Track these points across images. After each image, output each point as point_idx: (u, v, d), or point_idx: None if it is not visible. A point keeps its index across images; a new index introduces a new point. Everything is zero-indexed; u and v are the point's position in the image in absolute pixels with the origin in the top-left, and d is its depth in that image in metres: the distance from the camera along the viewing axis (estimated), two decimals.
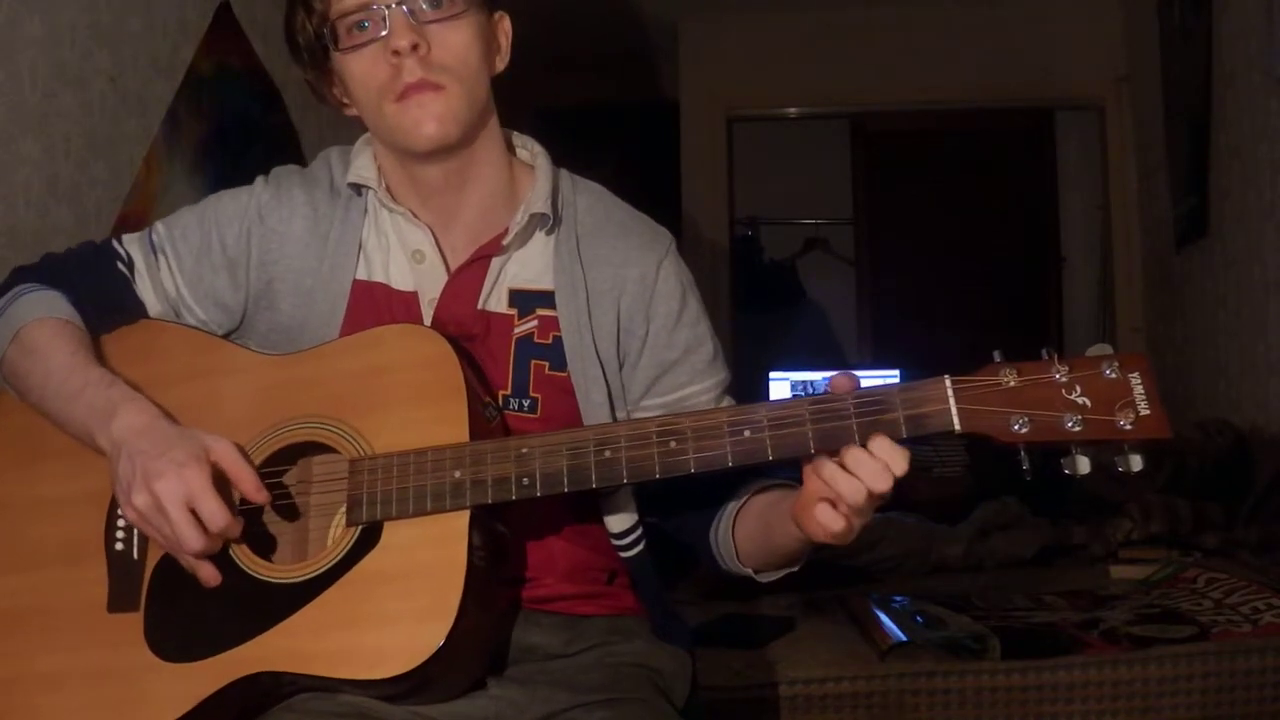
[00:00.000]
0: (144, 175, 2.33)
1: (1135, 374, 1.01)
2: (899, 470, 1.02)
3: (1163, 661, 1.90)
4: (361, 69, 1.19)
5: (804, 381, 4.18)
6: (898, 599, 2.24)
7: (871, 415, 1.03)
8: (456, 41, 1.19)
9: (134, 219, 2.23)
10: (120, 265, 1.29)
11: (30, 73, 1.95)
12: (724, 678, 1.90)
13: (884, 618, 2.07)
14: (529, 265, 1.27)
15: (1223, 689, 1.89)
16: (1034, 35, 4.50)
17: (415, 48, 1.16)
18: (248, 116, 2.83)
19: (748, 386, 4.14)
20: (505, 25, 1.28)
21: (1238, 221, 3.23)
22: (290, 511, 1.18)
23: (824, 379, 4.13)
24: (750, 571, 1.24)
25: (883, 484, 1.02)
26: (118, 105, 2.24)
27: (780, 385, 4.20)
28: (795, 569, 1.23)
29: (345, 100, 1.27)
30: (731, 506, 1.25)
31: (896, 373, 4.10)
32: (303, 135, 3.08)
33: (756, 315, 5.27)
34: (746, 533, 1.23)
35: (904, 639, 1.97)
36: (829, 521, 1.04)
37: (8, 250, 1.82)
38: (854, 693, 1.91)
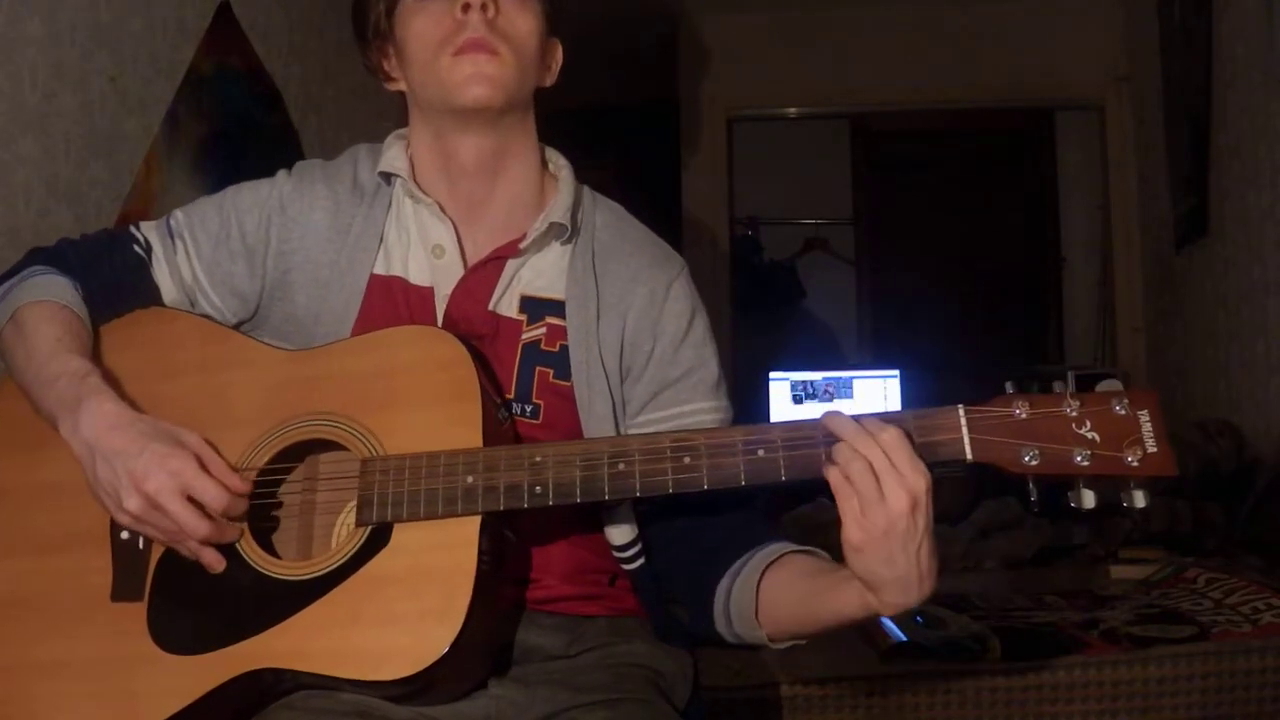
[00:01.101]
0: (144, 175, 2.33)
1: (1144, 411, 1.02)
2: (889, 442, 1.00)
3: (1163, 661, 1.90)
4: (425, 23, 1.23)
5: (804, 381, 4.18)
6: None
7: None
8: (521, 20, 1.23)
9: (134, 219, 2.21)
10: (137, 248, 1.30)
11: (30, 73, 1.95)
12: (724, 678, 1.90)
13: (884, 618, 2.07)
14: (543, 273, 1.28)
15: (1223, 689, 1.89)
16: (1034, 35, 4.50)
17: (485, 7, 1.20)
18: (248, 116, 2.83)
19: (748, 387, 4.13)
20: (558, 53, 1.33)
21: (1238, 221, 3.23)
22: (295, 508, 1.18)
23: (824, 379, 4.13)
24: (764, 636, 1.16)
25: (861, 452, 1.00)
26: (118, 105, 2.24)
27: (780, 385, 4.20)
28: (802, 642, 1.18)
29: (395, 75, 1.30)
30: (754, 564, 1.18)
31: (896, 373, 4.10)
32: (303, 135, 3.08)
33: (756, 315, 5.27)
34: (779, 594, 1.15)
35: (904, 639, 1.97)
36: (841, 494, 1.00)
37: (8, 250, 1.82)
38: (854, 693, 1.91)
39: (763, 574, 1.17)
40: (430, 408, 1.14)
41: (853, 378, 4.14)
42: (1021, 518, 2.72)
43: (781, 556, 1.18)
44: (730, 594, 1.19)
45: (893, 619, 2.05)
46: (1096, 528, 2.65)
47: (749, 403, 3.98)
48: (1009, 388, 1.05)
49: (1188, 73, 3.54)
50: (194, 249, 1.30)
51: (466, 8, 1.19)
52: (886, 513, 0.99)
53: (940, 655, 1.94)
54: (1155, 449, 1.01)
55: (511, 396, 1.24)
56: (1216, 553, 2.50)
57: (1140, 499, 1.02)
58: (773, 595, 1.17)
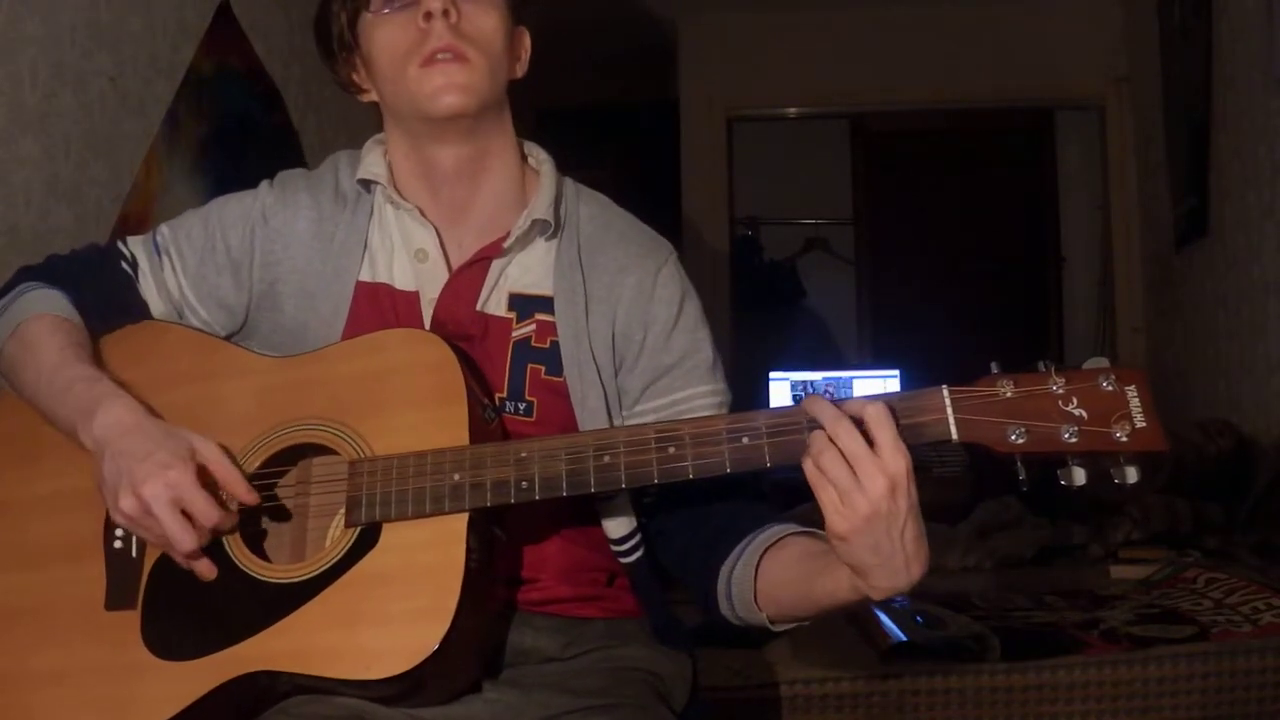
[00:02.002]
0: (144, 175, 2.33)
1: (1131, 387, 1.02)
2: (874, 418, 0.99)
3: (1163, 661, 1.90)
4: (389, 34, 1.22)
5: (804, 381, 4.18)
6: (898, 599, 2.23)
7: None
8: (485, 20, 1.22)
9: (134, 219, 2.23)
10: (124, 265, 1.30)
11: (30, 73, 1.95)
12: (724, 678, 1.90)
13: (884, 618, 2.07)
14: (530, 270, 1.28)
15: (1223, 689, 1.89)
16: (1034, 35, 4.50)
17: (446, 13, 1.19)
18: (248, 116, 2.83)
19: (748, 386, 4.13)
20: (526, 40, 1.31)
21: (1238, 221, 3.23)
22: (289, 512, 1.18)
23: (824, 379, 4.13)
24: (765, 618, 1.16)
25: (835, 439, 0.99)
26: (118, 105, 2.24)
27: (780, 385, 4.20)
28: (806, 623, 1.17)
29: (366, 86, 1.29)
30: (754, 546, 1.18)
31: (896, 373, 4.10)
32: (303, 135, 3.09)
33: (756, 315, 5.27)
34: (778, 575, 1.15)
35: (904, 639, 1.96)
36: (817, 485, 0.99)
37: (8, 250, 1.82)
38: (854, 693, 1.91)
39: (762, 556, 1.17)
40: (418, 410, 1.14)
41: (853, 378, 4.15)
42: (1021, 517, 2.72)
43: (783, 539, 1.17)
44: (731, 577, 1.18)
45: (892, 619, 2.06)
46: (1096, 527, 2.65)
47: (749, 403, 3.98)
48: (994, 368, 1.04)
49: (1188, 73, 3.54)
50: (180, 264, 1.30)
51: (428, 16, 1.19)
52: (866, 498, 0.98)
53: (940, 655, 1.94)
54: (1144, 424, 1.00)
55: (504, 395, 1.24)
56: (1216, 553, 2.50)
57: (1132, 475, 1.01)
58: (771, 578, 1.15)
